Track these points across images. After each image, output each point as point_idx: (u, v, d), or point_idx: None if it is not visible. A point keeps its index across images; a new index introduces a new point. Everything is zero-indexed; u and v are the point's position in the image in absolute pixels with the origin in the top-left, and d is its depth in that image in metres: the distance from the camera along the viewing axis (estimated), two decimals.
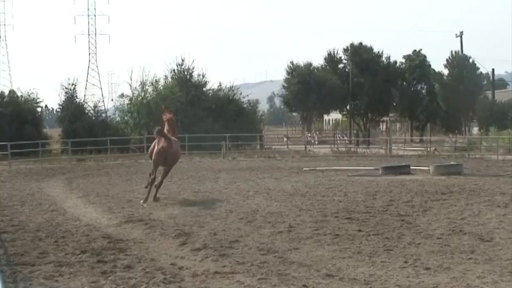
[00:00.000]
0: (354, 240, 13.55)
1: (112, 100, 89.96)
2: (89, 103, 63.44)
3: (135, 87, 60.11)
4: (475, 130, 73.35)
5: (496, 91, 78.02)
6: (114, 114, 66.87)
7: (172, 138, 22.09)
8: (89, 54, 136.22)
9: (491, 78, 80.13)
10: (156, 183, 21.44)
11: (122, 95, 61.11)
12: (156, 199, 20.91)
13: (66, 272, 10.84)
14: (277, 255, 12.04)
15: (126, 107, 60.27)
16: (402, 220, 16.24)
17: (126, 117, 60.47)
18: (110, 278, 10.35)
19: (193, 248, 12.71)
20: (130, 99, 59.66)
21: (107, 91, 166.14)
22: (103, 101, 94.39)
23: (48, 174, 34.11)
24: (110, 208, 19.35)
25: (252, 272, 10.69)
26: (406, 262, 11.40)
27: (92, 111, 60.13)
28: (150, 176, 22.03)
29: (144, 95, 59.64)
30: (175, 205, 19.79)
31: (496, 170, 33.31)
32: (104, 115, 62.56)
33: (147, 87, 60.06)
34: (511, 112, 69.69)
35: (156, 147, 21.79)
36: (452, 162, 33.95)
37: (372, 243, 13.22)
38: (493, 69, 79.27)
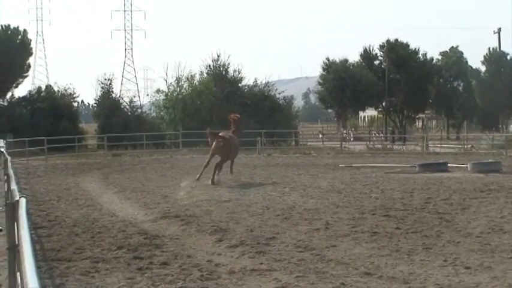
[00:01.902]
0: (392, 238, 13.39)
1: (147, 95, 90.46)
2: (125, 98, 64.06)
3: (171, 83, 60.40)
4: None
5: None
6: (150, 109, 67.26)
7: (228, 135, 27.66)
8: (125, 49, 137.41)
9: None
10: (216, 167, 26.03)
11: (158, 91, 61.50)
12: (232, 172, 27.16)
13: (102, 268, 10.81)
14: (314, 252, 11.92)
15: (161, 103, 60.53)
16: (441, 218, 16.04)
17: (161, 113, 60.77)
18: (146, 275, 10.30)
19: (230, 244, 12.63)
20: (166, 95, 59.88)
21: (143, 86, 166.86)
22: (138, 96, 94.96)
23: (84, 169, 34.32)
24: (145, 204, 19.36)
25: (289, 270, 10.59)
26: (445, 261, 11.23)
27: (127, 107, 60.52)
28: (204, 167, 26.31)
29: (180, 90, 59.85)
30: (211, 201, 19.71)
31: None
32: (139, 110, 62.83)
33: (182, 82, 60.27)
34: None
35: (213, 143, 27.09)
36: (490, 160, 33.62)
37: (410, 241, 13.06)
38: None
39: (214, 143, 27.03)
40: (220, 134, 27.53)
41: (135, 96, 72.69)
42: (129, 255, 11.68)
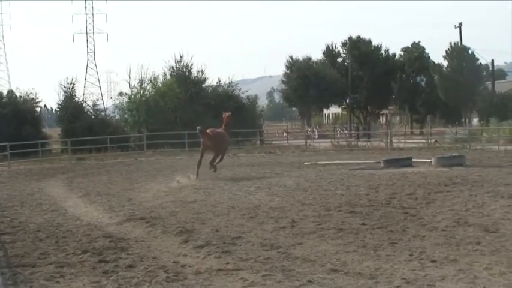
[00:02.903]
0: (357, 234, 13.41)
1: (111, 98, 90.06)
2: (88, 102, 63.50)
3: (134, 85, 60.06)
4: (475, 121, 73.26)
5: (495, 82, 77.87)
6: (114, 112, 66.95)
7: (217, 131, 29.47)
8: (87, 53, 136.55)
9: (490, 69, 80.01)
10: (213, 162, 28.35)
11: (121, 93, 61.16)
12: (213, 167, 28.13)
13: (67, 272, 10.70)
14: (280, 250, 11.90)
15: (125, 105, 60.23)
16: (406, 213, 16.11)
17: (125, 115, 60.45)
18: (111, 278, 10.21)
19: (196, 245, 12.58)
20: (129, 97, 59.59)
21: (106, 89, 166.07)
22: (102, 99, 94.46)
23: (48, 174, 34.03)
24: (110, 207, 19.22)
25: (256, 269, 10.55)
26: (411, 255, 11.27)
27: (91, 110, 60.04)
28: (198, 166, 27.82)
29: (143, 92, 59.62)
30: (176, 202, 19.64)
31: (498, 160, 33.22)
32: (103, 113, 62.49)
33: (145, 84, 60.04)
34: (511, 103, 69.57)
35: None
36: (454, 154, 33.88)
37: (376, 236, 13.09)
38: (492, 60, 79.17)
39: (202, 141, 28.86)
40: (207, 131, 28.81)
41: (98, 100, 72.64)
42: (94, 259, 11.58)
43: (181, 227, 14.79)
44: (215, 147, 28.76)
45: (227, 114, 32.41)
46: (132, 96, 59.43)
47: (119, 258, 11.60)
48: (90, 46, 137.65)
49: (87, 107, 60.46)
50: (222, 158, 29.75)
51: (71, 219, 17.11)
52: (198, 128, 29.03)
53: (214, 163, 28.61)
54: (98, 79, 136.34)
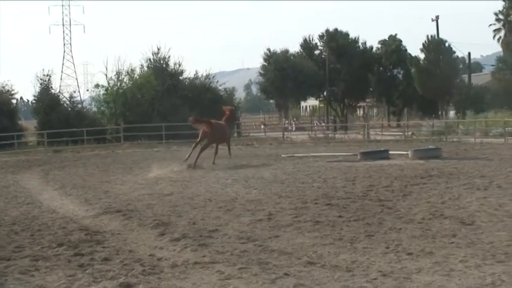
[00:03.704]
0: (334, 226, 13.41)
1: (87, 90, 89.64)
2: (65, 94, 63.34)
3: (111, 77, 59.74)
4: (452, 114, 73.57)
5: (472, 75, 78.39)
6: (90, 104, 66.60)
7: (219, 122, 31.25)
8: (64, 44, 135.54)
9: (467, 62, 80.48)
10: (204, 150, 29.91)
11: (97, 85, 60.82)
12: (193, 166, 28.04)
13: (42, 266, 10.61)
14: (257, 243, 11.88)
15: (102, 97, 59.94)
16: (382, 205, 16.14)
17: (102, 108, 60.16)
18: (87, 271, 10.14)
19: (172, 238, 12.52)
20: (106, 89, 59.29)
21: (83, 82, 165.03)
22: (79, 91, 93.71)
23: (24, 166, 33.80)
24: (87, 199, 19.11)
25: (232, 262, 10.52)
26: (387, 247, 11.28)
27: (67, 102, 59.71)
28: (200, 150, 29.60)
29: (120, 84, 59.34)
30: (153, 195, 19.56)
31: (474, 153, 33.44)
32: (79, 106, 62.13)
33: (122, 76, 59.75)
34: (487, 95, 69.96)
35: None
36: (430, 146, 34.01)
37: (352, 229, 13.10)
38: (469, 53, 79.71)
39: (201, 129, 30.51)
40: (211, 121, 30.56)
41: (75, 92, 72.14)
42: (69, 252, 11.49)
43: (157, 219, 14.74)
44: (212, 136, 30.18)
45: (229, 107, 34.26)
46: (109, 88, 59.13)
47: (95, 252, 11.54)
48: (67, 38, 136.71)
49: (64, 99, 60.17)
50: (228, 148, 31.81)
51: (47, 212, 16.99)
52: (191, 117, 31.70)
53: (201, 152, 29.77)
54: (75, 71, 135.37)
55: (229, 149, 31.88)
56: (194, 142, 30.34)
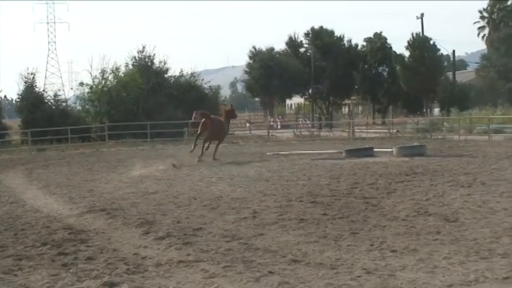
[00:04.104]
0: (319, 224, 13.42)
1: (72, 89, 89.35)
2: (49, 92, 62.80)
3: (96, 76, 59.59)
4: (437, 111, 73.85)
5: (456, 72, 78.60)
6: (75, 103, 66.34)
7: (219, 118, 32.45)
8: (48, 43, 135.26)
9: (451, 59, 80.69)
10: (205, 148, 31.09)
11: (82, 84, 60.61)
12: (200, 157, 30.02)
13: (25, 265, 10.56)
14: (242, 241, 11.86)
15: (86, 96, 59.77)
16: (367, 203, 16.16)
17: (86, 106, 60.00)
18: (71, 271, 10.09)
19: (157, 236, 12.48)
20: (91, 88, 59.13)
21: (67, 80, 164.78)
22: (63, 90, 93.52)
23: (8, 165, 33.68)
24: (71, 198, 19.04)
25: (217, 260, 10.50)
26: (372, 245, 11.29)
27: (52, 101, 59.46)
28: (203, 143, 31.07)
29: (105, 83, 59.20)
30: (137, 193, 19.51)
31: (458, 150, 33.56)
32: (64, 104, 61.85)
33: (107, 75, 59.61)
34: (471, 93, 70.22)
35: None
36: (415, 144, 34.09)
37: (337, 226, 13.10)
38: (453, 51, 79.87)
39: (201, 122, 31.30)
40: (212, 116, 31.59)
41: (59, 90, 71.77)
42: (53, 252, 11.44)
43: (142, 218, 14.70)
44: (211, 131, 31.00)
45: (228, 107, 35.61)
46: (94, 87, 58.99)
47: (79, 251, 11.49)
48: (51, 36, 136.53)
49: (48, 98, 59.91)
50: (217, 146, 32.28)
51: (30, 211, 16.92)
52: (194, 112, 32.78)
53: (206, 147, 31.31)
54: (59, 69, 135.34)
55: (216, 149, 32.04)
56: (179, 140, 30.41)
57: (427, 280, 8.97)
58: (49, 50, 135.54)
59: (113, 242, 12.38)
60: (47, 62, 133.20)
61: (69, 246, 11.84)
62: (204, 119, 31.23)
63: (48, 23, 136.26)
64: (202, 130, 31.30)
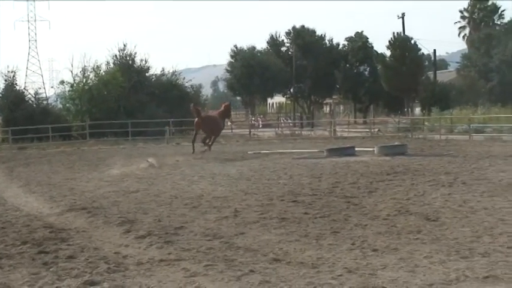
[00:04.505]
0: (300, 223, 13.42)
1: (52, 87, 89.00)
2: (30, 91, 62.53)
3: (77, 74, 59.35)
4: (418, 111, 74.05)
5: (437, 72, 78.90)
6: (56, 101, 66.06)
7: (209, 115, 36.14)
8: (29, 41, 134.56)
9: (432, 59, 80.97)
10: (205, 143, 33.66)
11: (62, 82, 60.35)
12: (208, 149, 33.12)
13: (5, 264, 10.49)
14: (223, 240, 11.85)
15: (67, 94, 59.56)
16: (348, 202, 16.18)
17: (67, 104, 59.77)
18: (51, 269, 10.05)
19: (138, 235, 12.45)
20: (72, 86, 58.91)
21: (48, 78, 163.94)
22: (44, 88, 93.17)
23: None
24: (51, 197, 18.96)
25: (198, 259, 10.48)
26: (353, 244, 11.31)
27: (32, 99, 59.15)
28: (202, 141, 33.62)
29: (86, 81, 58.96)
30: (118, 192, 19.46)
31: (439, 149, 33.68)
32: (45, 102, 61.58)
33: (88, 73, 59.39)
34: (452, 92, 70.48)
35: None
36: (396, 143, 34.19)
37: (318, 225, 13.12)
38: (434, 50, 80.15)
39: (195, 122, 33.73)
40: (202, 115, 34.38)
41: (40, 88, 71.49)
42: (33, 250, 11.39)
43: (123, 217, 14.66)
44: (205, 128, 33.55)
45: (226, 103, 37.14)
46: (75, 85, 58.78)
47: (59, 249, 11.44)
48: (32, 34, 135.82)
49: (29, 96, 59.62)
50: (213, 140, 34.53)
51: (11, 209, 16.84)
52: (192, 105, 35.99)
53: (209, 143, 33.69)
54: (40, 67, 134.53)
55: (212, 143, 34.24)
56: (160, 139, 30.56)
57: (408, 279, 8.99)
58: (30, 48, 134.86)
59: (94, 240, 12.33)
60: (28, 60, 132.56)
61: (50, 245, 11.78)
62: (196, 119, 33.36)
63: (28, 21, 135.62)
64: (197, 129, 33.90)
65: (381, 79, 75.28)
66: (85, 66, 59.27)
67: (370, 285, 8.75)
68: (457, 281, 8.83)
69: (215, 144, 34.30)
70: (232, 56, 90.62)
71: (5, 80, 57.16)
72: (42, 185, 22.40)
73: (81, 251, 11.29)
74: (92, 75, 59.47)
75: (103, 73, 59.78)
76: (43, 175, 26.09)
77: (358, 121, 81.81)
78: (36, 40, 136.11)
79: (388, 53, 75.25)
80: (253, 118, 79.95)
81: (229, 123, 75.95)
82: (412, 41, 74.15)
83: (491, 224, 12.70)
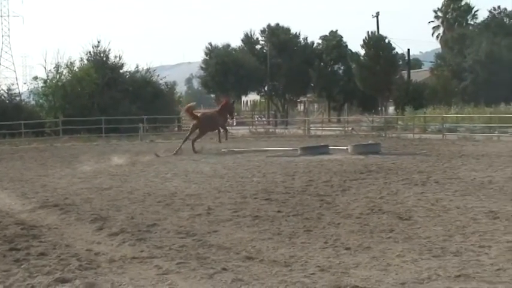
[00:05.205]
0: (273, 221, 13.41)
1: (25, 83, 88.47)
2: (2, 86, 62.19)
3: (50, 70, 59.06)
4: (391, 110, 74.38)
5: (411, 71, 79.25)
6: (29, 97, 65.69)
7: (204, 113, 37.13)
8: (2, 36, 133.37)
9: (406, 58, 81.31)
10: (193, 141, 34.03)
11: (36, 78, 60.05)
12: (195, 151, 32.96)
13: None
14: (196, 238, 11.82)
15: (40, 90, 59.25)
16: (321, 200, 16.19)
17: (41, 101, 59.46)
18: (23, 266, 9.96)
19: (110, 232, 12.39)
20: (45, 82, 58.60)
21: (21, 74, 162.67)
22: (17, 84, 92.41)
23: None
24: (23, 193, 18.82)
25: (171, 256, 10.45)
26: (326, 242, 11.31)
27: (5, 95, 58.84)
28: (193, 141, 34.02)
29: (59, 77, 58.67)
30: (91, 189, 19.35)
31: (412, 148, 33.81)
32: (18, 98, 61.26)
33: (62, 69, 59.10)
34: (425, 92, 70.82)
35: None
36: (370, 142, 34.29)
37: (291, 224, 13.11)
38: (408, 50, 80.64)
39: (191, 123, 35.47)
40: (199, 116, 35.19)
41: (13, 84, 71.02)
42: (4, 247, 11.28)
43: (95, 214, 14.57)
44: (202, 128, 34.54)
45: (225, 100, 38.55)
46: (48, 81, 58.48)
47: (31, 246, 11.35)
48: (5, 29, 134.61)
49: (1, 92, 59.31)
50: (226, 133, 36.43)
51: None
52: (185, 106, 37.63)
53: (197, 139, 34.85)
54: (13, 63, 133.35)
55: (226, 134, 36.37)
56: (134, 136, 30.40)
57: (380, 278, 9.00)
58: (3, 43, 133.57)
59: (66, 237, 12.25)
60: (1, 56, 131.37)
61: (21, 242, 11.68)
62: (195, 122, 34.79)
63: (2, 16, 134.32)
64: (192, 130, 35.07)
65: (355, 78, 75.58)
66: (59, 62, 59.15)
67: (342, 283, 8.75)
68: (429, 280, 8.85)
69: (188, 141, 34.17)
70: (206, 54, 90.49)
71: None
72: (14, 181, 22.25)
73: (53, 248, 11.21)
74: (65, 72, 59.26)
75: (77, 69, 59.58)
76: (15, 171, 25.93)
77: (332, 120, 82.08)
78: (9, 36, 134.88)
79: (362, 52, 75.63)
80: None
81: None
82: (386, 40, 74.59)
83: (463, 223, 12.75)
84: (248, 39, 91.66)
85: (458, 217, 13.45)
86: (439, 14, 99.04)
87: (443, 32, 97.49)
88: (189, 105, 37.47)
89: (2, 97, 58.15)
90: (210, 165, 26.15)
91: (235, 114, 46.45)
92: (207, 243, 11.44)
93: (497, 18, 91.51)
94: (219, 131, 35.68)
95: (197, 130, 34.78)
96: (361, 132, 52.80)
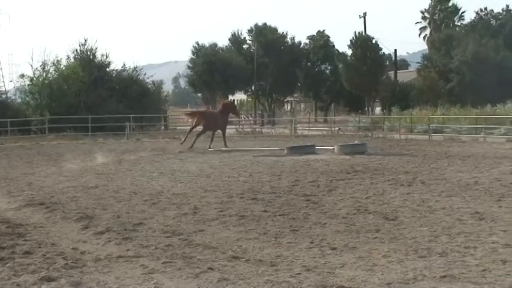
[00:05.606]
0: (259, 221, 13.41)
1: (11, 81, 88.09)
2: None
3: (37, 68, 58.87)
4: (378, 110, 74.54)
5: (398, 71, 79.47)
6: (15, 95, 65.44)
7: (208, 111, 39.37)
8: None
9: (393, 58, 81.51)
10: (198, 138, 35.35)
11: (22, 76, 59.85)
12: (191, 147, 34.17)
13: None
14: (182, 237, 11.80)
15: (27, 88, 59.08)
16: (308, 200, 16.20)
17: (27, 99, 59.27)
18: (7, 265, 9.91)
19: (96, 231, 12.35)
20: (31, 80, 58.41)
21: (7, 72, 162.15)
22: (3, 82, 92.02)
23: None
24: (9, 191, 18.75)
25: (157, 256, 10.43)
26: (312, 242, 11.31)
27: None
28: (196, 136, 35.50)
29: (46, 75, 58.49)
30: (77, 187, 19.29)
31: (398, 149, 33.89)
32: (3, 96, 61.04)
33: (48, 67, 58.92)
34: (412, 92, 70.99)
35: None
36: (356, 142, 34.34)
37: (277, 223, 13.11)
38: (395, 50, 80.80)
39: (195, 119, 36.36)
40: (202, 111, 38.51)
41: None
42: None
43: (81, 212, 14.52)
44: (205, 123, 35.72)
45: (225, 101, 40.87)
46: (35, 79, 58.30)
47: (16, 245, 11.29)
48: None
49: None
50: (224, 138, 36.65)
51: None
52: (185, 113, 39.48)
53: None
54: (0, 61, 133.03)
55: (224, 139, 36.48)
56: (121, 135, 30.42)
57: (366, 278, 9.01)
58: None
59: (52, 236, 12.21)
60: None
61: (6, 240, 11.62)
62: (197, 115, 36.61)
63: None
64: (197, 124, 36.15)
65: (342, 78, 75.70)
66: (45, 60, 58.89)
67: (328, 283, 8.75)
68: (414, 280, 8.87)
69: (175, 140, 34.11)
70: (193, 53, 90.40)
71: None
72: (0, 179, 22.16)
73: (39, 247, 11.17)
74: (52, 70, 59.07)
75: (63, 68, 59.37)
76: (1, 169, 25.82)
77: (318, 119, 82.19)
78: None
79: (349, 52, 75.80)
80: None
81: (189, 120, 75.90)
82: (374, 41, 74.75)
83: (449, 224, 12.79)
84: (235, 39, 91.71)
85: (444, 218, 13.49)
86: (426, 15, 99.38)
87: (430, 32, 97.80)
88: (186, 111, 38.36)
89: None
90: (196, 164, 26.15)
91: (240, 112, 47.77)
92: (193, 242, 11.42)
93: (484, 19, 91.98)
94: (224, 134, 36.94)
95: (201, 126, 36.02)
96: (347, 132, 52.89)
